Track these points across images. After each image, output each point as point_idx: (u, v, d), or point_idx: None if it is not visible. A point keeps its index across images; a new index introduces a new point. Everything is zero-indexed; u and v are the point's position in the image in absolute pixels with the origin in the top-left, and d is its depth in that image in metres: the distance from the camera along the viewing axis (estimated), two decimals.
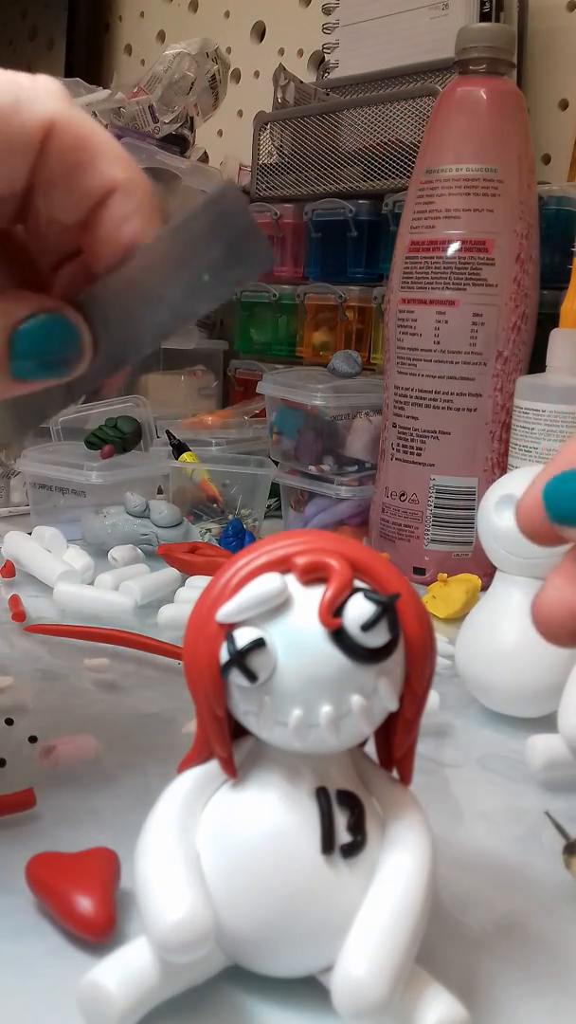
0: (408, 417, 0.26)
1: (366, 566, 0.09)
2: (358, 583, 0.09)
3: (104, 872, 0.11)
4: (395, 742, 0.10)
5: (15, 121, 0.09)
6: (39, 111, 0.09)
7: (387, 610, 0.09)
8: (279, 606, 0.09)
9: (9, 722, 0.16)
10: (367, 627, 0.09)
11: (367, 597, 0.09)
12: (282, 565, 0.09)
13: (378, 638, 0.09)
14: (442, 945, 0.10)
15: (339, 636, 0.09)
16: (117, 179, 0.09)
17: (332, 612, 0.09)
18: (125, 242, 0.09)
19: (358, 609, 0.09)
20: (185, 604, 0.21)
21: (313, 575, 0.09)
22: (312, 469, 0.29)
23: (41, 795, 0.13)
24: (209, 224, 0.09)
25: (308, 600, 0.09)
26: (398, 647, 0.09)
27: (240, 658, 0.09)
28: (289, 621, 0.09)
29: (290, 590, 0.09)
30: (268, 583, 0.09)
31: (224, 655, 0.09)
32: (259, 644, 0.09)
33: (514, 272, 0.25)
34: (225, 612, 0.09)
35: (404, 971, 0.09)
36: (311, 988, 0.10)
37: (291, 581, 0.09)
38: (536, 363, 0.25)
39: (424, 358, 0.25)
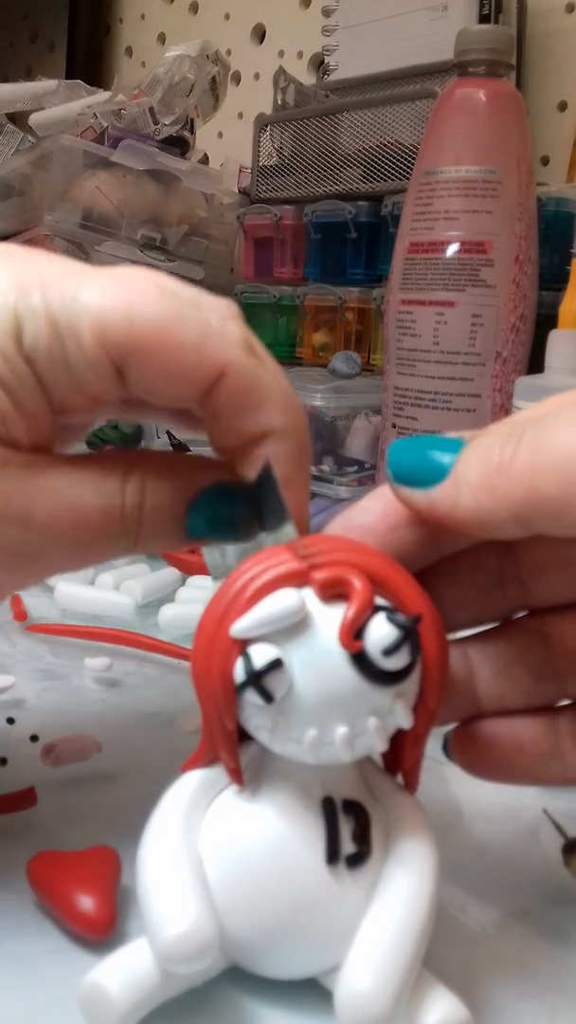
0: (407, 418, 0.26)
1: (386, 580, 0.09)
2: (378, 601, 0.09)
3: (105, 871, 0.11)
4: (404, 754, 0.10)
5: (194, 359, 0.09)
6: (217, 357, 0.09)
7: (410, 634, 0.09)
8: (296, 623, 0.09)
9: (10, 721, 0.16)
10: (389, 652, 0.09)
11: (389, 619, 0.09)
12: (299, 579, 0.09)
13: (399, 661, 0.09)
14: (441, 944, 0.10)
15: (359, 659, 0.09)
16: (274, 426, 0.10)
17: (353, 635, 0.09)
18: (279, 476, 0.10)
19: (379, 631, 0.09)
20: (186, 604, 0.21)
21: (332, 591, 0.09)
22: (312, 469, 0.29)
23: (42, 794, 0.13)
24: None
25: (326, 618, 0.09)
26: (417, 667, 0.09)
27: (257, 679, 0.09)
28: (306, 640, 0.09)
29: (308, 606, 0.09)
30: (285, 600, 0.09)
31: (240, 674, 0.09)
32: (277, 665, 0.09)
33: (513, 273, 0.25)
34: (240, 628, 0.09)
35: (408, 983, 0.09)
36: (312, 989, 0.10)
37: (308, 596, 0.09)
38: (535, 364, 0.25)
39: (423, 359, 0.25)
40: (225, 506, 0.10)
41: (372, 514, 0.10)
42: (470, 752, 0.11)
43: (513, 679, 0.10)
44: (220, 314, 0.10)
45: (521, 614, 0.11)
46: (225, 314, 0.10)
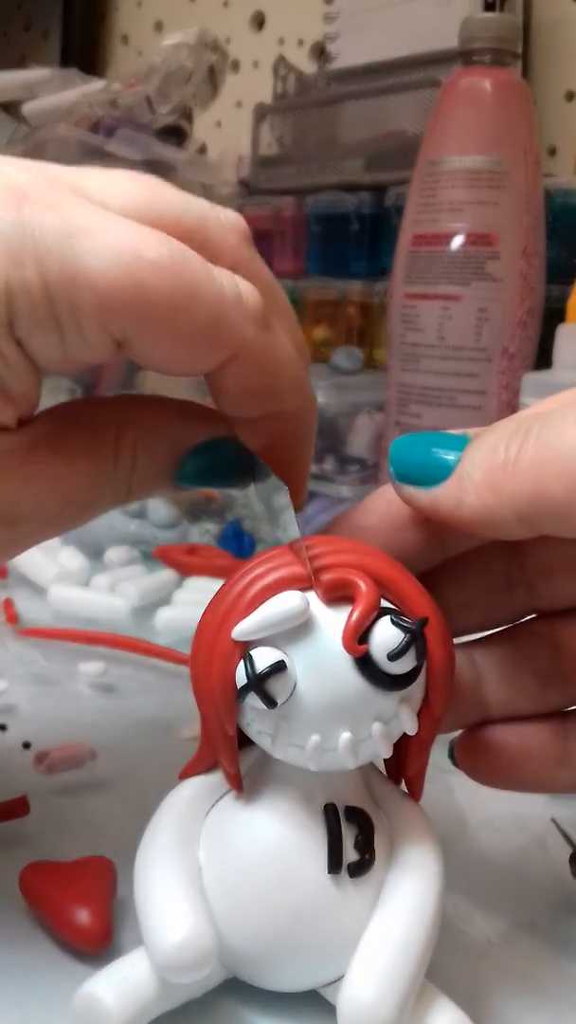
0: (411, 415, 0.26)
1: (391, 583, 0.09)
2: (384, 603, 0.09)
3: (100, 881, 0.11)
4: (408, 760, 0.10)
5: (205, 341, 0.09)
6: (230, 339, 0.09)
7: (416, 637, 0.08)
8: (300, 625, 0.09)
9: (3, 728, 0.15)
10: (395, 656, 0.08)
11: (395, 623, 0.08)
12: (303, 581, 0.09)
13: (405, 665, 0.09)
14: (446, 955, 0.10)
15: (364, 663, 0.09)
16: (283, 409, 0.09)
17: (357, 638, 0.09)
18: (290, 463, 0.10)
19: (385, 635, 0.08)
20: (183, 606, 0.21)
21: (337, 593, 0.09)
22: (313, 468, 0.29)
23: (35, 803, 0.13)
24: None
25: (330, 621, 0.09)
26: (422, 672, 0.09)
27: (259, 682, 0.08)
28: (310, 643, 0.09)
29: (312, 609, 0.09)
30: (289, 601, 0.09)
31: (242, 677, 0.09)
32: (280, 668, 0.08)
33: (520, 266, 0.24)
34: (242, 630, 0.09)
35: (411, 994, 0.09)
36: (312, 1001, 0.10)
37: (312, 598, 0.09)
38: (542, 360, 0.25)
39: (428, 354, 0.25)
40: (217, 458, 0.10)
41: (374, 515, 0.10)
42: (477, 759, 0.10)
43: (520, 684, 0.10)
44: (233, 249, 0.09)
45: (529, 617, 0.10)
46: (237, 246, 0.09)
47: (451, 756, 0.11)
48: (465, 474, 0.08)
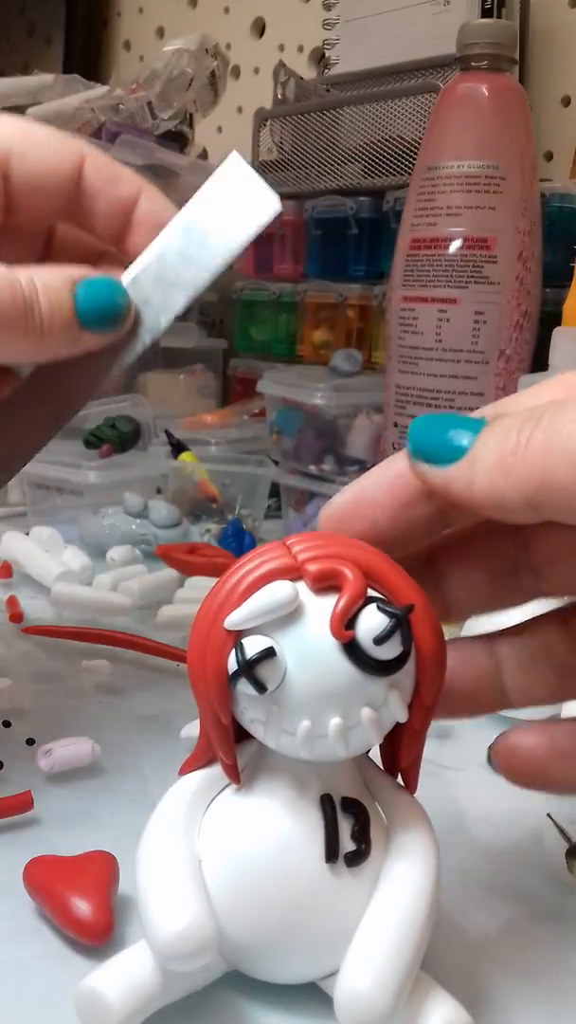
0: (409, 416, 0.26)
1: (379, 574, 0.09)
2: (371, 592, 0.09)
3: (102, 875, 0.11)
4: (402, 751, 0.10)
5: (60, 146, 0.13)
6: (76, 145, 0.14)
7: (401, 623, 0.09)
8: (289, 614, 0.09)
9: (7, 724, 0.16)
10: (380, 640, 0.09)
11: (381, 609, 0.09)
12: (292, 572, 0.09)
13: (391, 651, 0.09)
14: (443, 949, 0.10)
15: (351, 648, 0.09)
16: (141, 186, 0.14)
17: (344, 624, 0.09)
18: (161, 224, 0.13)
19: (371, 621, 0.09)
20: (184, 605, 0.21)
21: (325, 583, 0.09)
22: (313, 469, 0.29)
23: (39, 798, 0.13)
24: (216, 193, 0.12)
25: (319, 609, 0.09)
26: (410, 659, 0.09)
27: (249, 668, 0.09)
28: (299, 631, 0.09)
29: (301, 598, 0.09)
30: (279, 591, 0.09)
31: (232, 664, 0.09)
32: (269, 654, 0.09)
33: (516, 270, 0.24)
34: (234, 620, 0.09)
35: (408, 984, 0.09)
36: (311, 994, 0.10)
37: (302, 588, 0.09)
38: (539, 362, 0.25)
39: (426, 356, 0.25)
40: (106, 293, 0.12)
41: (381, 490, 0.10)
42: (511, 760, 0.10)
43: (540, 673, 0.10)
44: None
45: (547, 609, 0.11)
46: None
47: (489, 760, 0.11)
48: (477, 456, 0.09)
